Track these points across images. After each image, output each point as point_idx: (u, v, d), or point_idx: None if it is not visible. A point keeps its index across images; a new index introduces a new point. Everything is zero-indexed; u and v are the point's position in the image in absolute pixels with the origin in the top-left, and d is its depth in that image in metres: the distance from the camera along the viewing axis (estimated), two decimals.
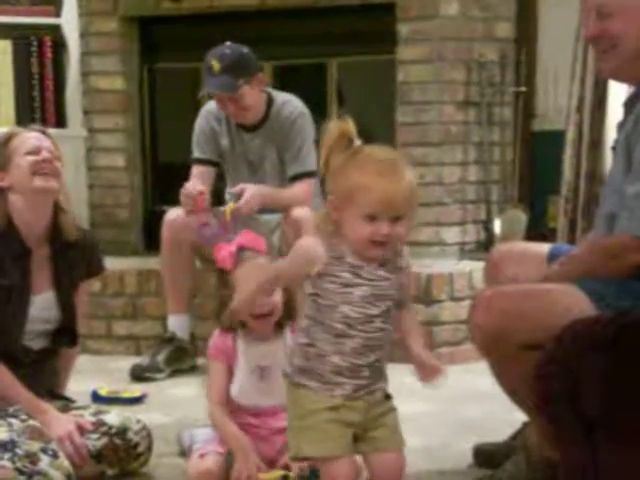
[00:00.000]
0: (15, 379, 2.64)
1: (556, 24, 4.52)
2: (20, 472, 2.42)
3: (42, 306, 2.75)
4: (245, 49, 3.90)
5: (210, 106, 4.03)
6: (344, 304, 2.05)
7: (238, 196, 3.78)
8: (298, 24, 4.71)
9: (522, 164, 4.64)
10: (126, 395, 3.53)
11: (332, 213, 2.06)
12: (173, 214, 3.89)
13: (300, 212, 3.76)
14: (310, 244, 2.07)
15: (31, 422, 2.57)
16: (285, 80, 4.80)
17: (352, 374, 2.08)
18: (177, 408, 3.43)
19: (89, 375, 3.73)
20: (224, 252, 2.56)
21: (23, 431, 2.52)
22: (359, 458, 2.17)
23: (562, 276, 2.36)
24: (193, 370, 3.97)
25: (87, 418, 2.70)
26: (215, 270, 2.74)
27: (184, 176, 3.97)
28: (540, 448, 2.43)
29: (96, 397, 3.45)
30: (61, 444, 2.57)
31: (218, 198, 4.12)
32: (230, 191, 3.91)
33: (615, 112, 3.79)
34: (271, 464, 2.55)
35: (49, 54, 4.77)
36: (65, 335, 2.82)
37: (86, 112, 4.90)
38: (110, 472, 2.71)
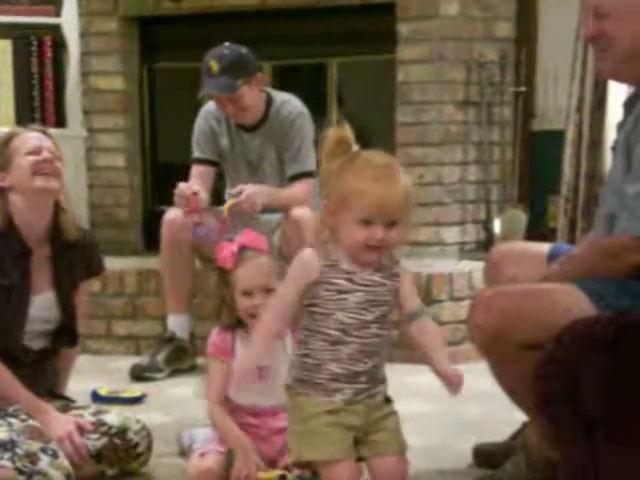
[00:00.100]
0: (15, 379, 2.64)
1: (556, 24, 4.53)
2: (20, 472, 2.42)
3: (42, 306, 2.75)
4: (244, 49, 3.90)
5: (210, 106, 4.03)
6: (339, 311, 2.06)
7: (237, 195, 3.78)
8: (298, 24, 4.71)
9: (522, 164, 4.64)
10: (126, 395, 3.53)
11: (327, 217, 2.06)
12: (172, 214, 3.89)
13: (300, 212, 3.76)
14: (305, 256, 2.08)
15: (31, 422, 2.57)
16: (285, 80, 4.80)
17: (349, 380, 2.08)
18: (177, 408, 3.43)
19: (89, 375, 3.73)
20: (226, 251, 2.56)
21: (23, 431, 2.52)
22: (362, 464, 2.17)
23: (562, 276, 2.36)
24: (193, 370, 3.97)
25: (87, 418, 2.70)
26: (215, 269, 2.73)
27: (184, 176, 3.97)
28: (540, 448, 2.43)
29: (96, 397, 3.45)
30: (61, 444, 2.56)
31: (218, 198, 4.12)
32: (230, 192, 3.90)
33: (615, 112, 3.79)
34: (271, 464, 2.55)
35: (49, 54, 4.77)
36: (65, 335, 2.82)
37: (86, 112, 4.90)
38: (110, 472, 2.71)
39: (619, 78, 2.65)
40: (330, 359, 2.07)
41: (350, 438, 2.09)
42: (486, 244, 4.49)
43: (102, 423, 2.70)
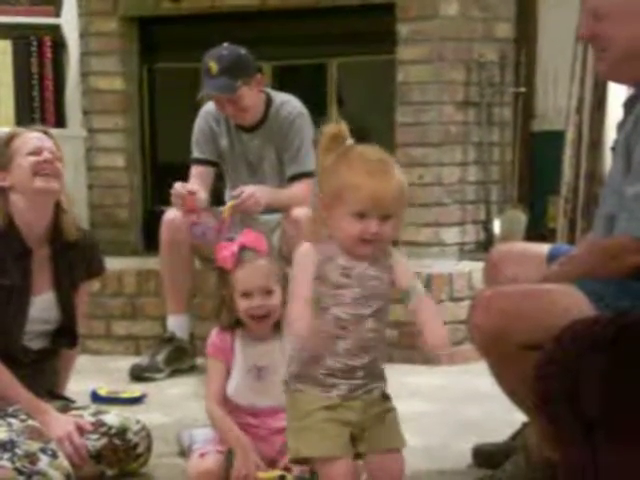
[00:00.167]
0: (15, 379, 2.64)
1: (556, 25, 4.53)
2: (19, 472, 2.42)
3: (42, 307, 2.74)
4: (243, 50, 3.90)
5: (209, 106, 4.03)
6: (335, 306, 2.06)
7: (238, 197, 3.78)
8: (298, 24, 4.71)
9: (522, 164, 4.64)
10: (125, 395, 3.53)
11: (322, 212, 2.07)
12: (171, 214, 3.89)
13: (300, 212, 3.75)
14: (305, 250, 2.07)
15: (30, 422, 2.57)
16: (285, 80, 4.81)
17: (346, 375, 2.08)
18: (176, 408, 3.43)
19: (88, 375, 3.73)
20: (225, 251, 2.56)
21: (22, 431, 2.52)
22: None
23: (561, 276, 2.37)
24: (193, 370, 3.97)
25: (87, 418, 2.70)
26: (214, 269, 2.73)
27: (184, 176, 3.97)
28: (540, 448, 2.43)
29: (95, 397, 3.45)
30: (60, 444, 2.56)
31: (218, 198, 4.12)
32: (232, 194, 3.89)
33: (615, 113, 3.80)
34: (271, 464, 2.55)
35: (49, 54, 4.77)
36: (65, 336, 2.82)
37: (86, 112, 4.90)
38: (109, 472, 2.71)
39: (616, 79, 2.66)
40: (327, 354, 2.06)
41: (347, 434, 2.09)
42: (486, 245, 4.49)
43: (102, 423, 2.70)
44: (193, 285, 4.00)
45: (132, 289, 4.38)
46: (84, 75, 4.88)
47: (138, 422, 2.76)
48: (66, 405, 2.79)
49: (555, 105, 4.60)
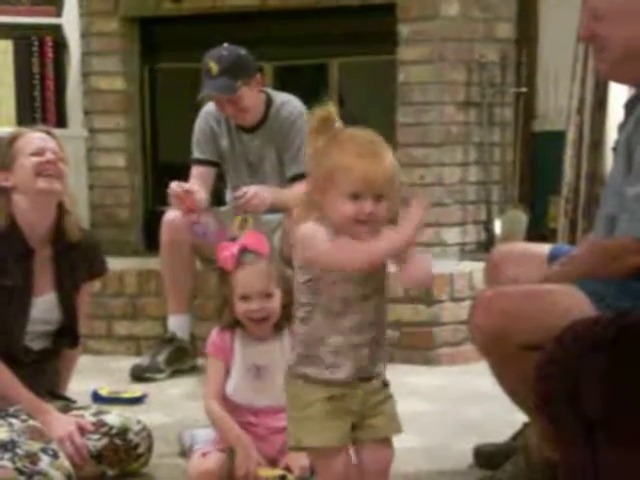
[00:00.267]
0: (16, 379, 2.64)
1: (557, 25, 4.53)
2: (20, 472, 2.43)
3: (43, 307, 2.75)
4: (243, 50, 3.90)
5: (209, 107, 4.03)
6: (339, 283, 2.05)
7: (242, 197, 3.77)
8: (299, 25, 4.71)
9: (523, 165, 4.64)
10: (126, 395, 3.53)
11: (314, 195, 2.07)
12: (172, 215, 3.89)
13: None
14: (309, 226, 2.06)
15: (31, 422, 2.57)
16: (286, 80, 4.80)
17: (352, 354, 2.08)
18: (177, 408, 3.43)
19: (89, 375, 3.72)
20: (226, 252, 2.56)
21: (23, 431, 2.53)
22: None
23: (562, 277, 2.37)
24: (193, 370, 3.97)
25: (88, 418, 2.70)
26: (215, 269, 2.73)
27: (184, 176, 3.97)
28: (540, 449, 2.43)
29: (96, 397, 3.45)
30: (62, 444, 2.57)
31: (218, 199, 4.12)
32: (235, 194, 3.87)
33: (616, 113, 3.79)
34: (272, 464, 2.56)
35: (50, 54, 4.77)
36: (66, 336, 2.82)
37: (87, 112, 4.90)
38: (110, 473, 2.71)
39: (617, 79, 2.66)
40: (333, 332, 2.06)
41: (348, 424, 2.10)
42: (487, 245, 4.49)
43: (103, 424, 2.70)
44: (194, 285, 4.00)
45: (133, 289, 4.38)
46: (85, 75, 4.88)
47: (139, 422, 2.77)
48: (67, 405, 2.80)
49: (556, 105, 4.60)
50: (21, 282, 2.69)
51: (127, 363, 3.98)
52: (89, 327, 3.90)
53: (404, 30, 4.45)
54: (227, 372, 2.59)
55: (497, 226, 4.53)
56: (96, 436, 2.67)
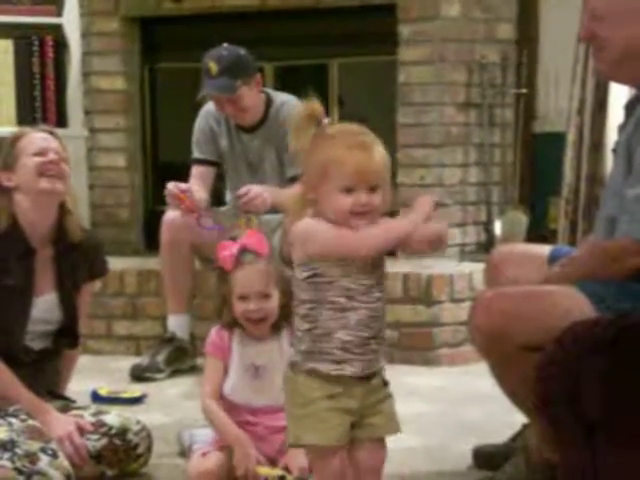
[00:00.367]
0: (16, 379, 2.64)
1: (557, 26, 4.53)
2: (19, 472, 2.43)
3: (44, 307, 2.75)
4: (242, 50, 3.90)
5: (209, 106, 4.03)
6: (342, 277, 2.06)
7: (244, 195, 3.76)
8: (299, 25, 4.71)
9: (523, 166, 4.64)
10: (126, 395, 3.53)
11: (309, 193, 2.07)
12: (172, 215, 3.89)
13: None
14: (308, 221, 2.07)
15: (31, 422, 2.57)
16: (286, 81, 4.80)
17: (360, 349, 2.08)
18: (177, 408, 3.43)
19: (89, 375, 3.72)
20: (226, 252, 2.56)
21: (23, 431, 2.53)
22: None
23: (562, 278, 2.37)
24: (193, 370, 3.97)
25: (87, 419, 2.70)
26: (215, 268, 2.73)
27: (185, 176, 3.97)
28: (540, 450, 2.43)
29: (96, 397, 3.45)
30: (61, 444, 2.57)
31: (218, 198, 4.12)
32: (238, 193, 3.85)
33: (616, 114, 3.79)
34: (272, 464, 2.55)
35: (50, 54, 4.77)
36: (66, 336, 2.82)
37: (87, 112, 4.90)
38: (110, 473, 2.71)
39: (617, 79, 2.66)
40: (339, 327, 2.06)
41: (348, 422, 2.10)
42: (487, 246, 4.49)
43: (102, 424, 2.70)
44: (193, 285, 4.00)
45: (133, 289, 4.38)
46: (85, 75, 4.88)
47: (138, 422, 2.76)
48: (66, 405, 2.79)
49: (556, 106, 4.60)
50: (22, 282, 2.69)
51: (127, 363, 3.98)
52: (89, 327, 3.90)
53: (404, 31, 4.45)
54: (225, 371, 2.59)
55: (497, 227, 4.53)
56: (95, 436, 2.67)
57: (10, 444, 2.47)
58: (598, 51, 2.48)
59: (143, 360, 3.95)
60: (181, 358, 3.97)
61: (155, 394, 3.64)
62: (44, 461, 2.46)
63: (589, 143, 4.29)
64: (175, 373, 3.94)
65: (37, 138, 2.75)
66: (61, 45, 4.81)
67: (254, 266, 2.55)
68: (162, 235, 3.91)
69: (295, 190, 3.86)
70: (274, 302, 2.55)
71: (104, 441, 2.68)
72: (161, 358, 3.92)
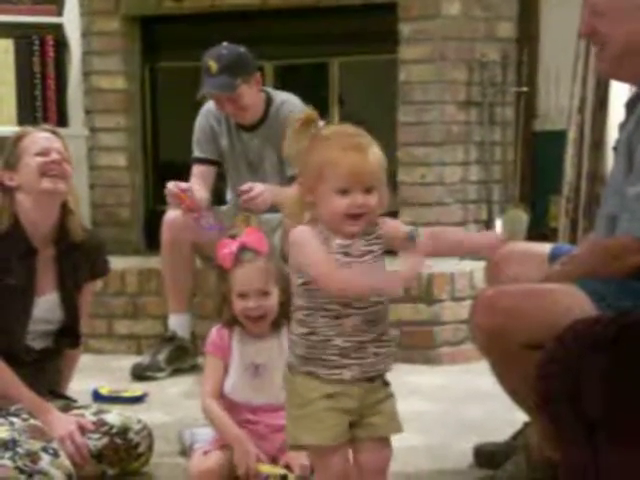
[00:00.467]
0: (17, 378, 2.64)
1: (558, 24, 4.52)
2: (21, 471, 2.43)
3: (46, 307, 2.75)
4: (242, 49, 3.89)
5: (210, 105, 4.03)
6: None
7: (248, 191, 3.76)
8: (300, 24, 4.71)
9: (523, 164, 4.64)
10: (127, 394, 3.53)
11: (305, 195, 2.08)
12: (172, 214, 3.89)
13: None
14: (301, 229, 2.07)
15: (32, 421, 2.57)
16: (286, 80, 4.80)
17: (357, 354, 2.07)
18: (178, 407, 3.43)
19: (90, 374, 3.72)
20: (226, 250, 2.56)
21: (24, 430, 2.53)
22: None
23: (563, 276, 2.37)
24: (194, 369, 3.97)
25: (88, 418, 2.71)
26: (215, 267, 2.74)
27: (185, 175, 3.97)
28: (541, 448, 2.43)
29: (97, 396, 3.45)
30: (62, 444, 2.57)
31: (218, 198, 4.12)
32: (241, 188, 3.85)
33: (617, 112, 3.79)
34: (272, 462, 2.55)
35: (51, 53, 4.77)
36: (68, 336, 2.82)
37: (88, 111, 4.90)
38: (111, 472, 2.71)
39: (617, 76, 2.66)
40: (336, 334, 2.06)
41: (346, 422, 2.10)
42: None
43: (103, 423, 2.70)
44: (194, 284, 4.00)
45: (134, 288, 4.38)
46: (86, 74, 4.88)
47: (139, 421, 2.77)
48: (68, 404, 2.80)
49: (557, 105, 4.60)
50: (24, 281, 2.69)
51: (128, 362, 3.98)
52: (90, 326, 3.90)
53: (405, 29, 4.45)
54: (225, 371, 2.59)
55: (498, 225, 4.53)
56: (96, 435, 2.67)
57: (11, 443, 2.47)
58: (599, 48, 2.48)
59: (144, 359, 3.95)
60: (182, 357, 3.97)
61: (156, 393, 3.64)
62: (45, 460, 2.47)
63: (590, 141, 4.29)
64: (176, 372, 3.94)
65: (40, 138, 2.75)
66: (62, 44, 4.81)
67: (253, 264, 2.55)
68: (163, 235, 3.91)
69: (294, 191, 3.89)
70: (273, 300, 2.55)
71: (105, 440, 2.68)
72: (162, 357, 3.92)
